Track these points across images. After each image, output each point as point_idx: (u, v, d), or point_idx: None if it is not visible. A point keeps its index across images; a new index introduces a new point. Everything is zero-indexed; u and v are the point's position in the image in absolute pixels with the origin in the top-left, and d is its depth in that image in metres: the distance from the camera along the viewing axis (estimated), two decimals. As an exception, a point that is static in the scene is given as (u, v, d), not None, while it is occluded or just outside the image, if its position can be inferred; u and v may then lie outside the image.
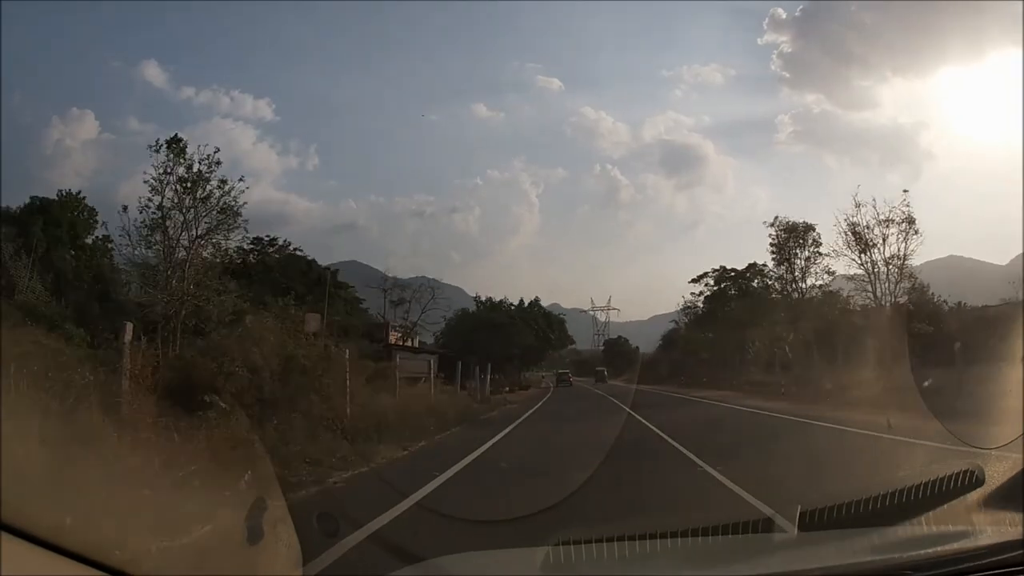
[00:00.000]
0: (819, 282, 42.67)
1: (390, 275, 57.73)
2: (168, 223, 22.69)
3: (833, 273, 42.28)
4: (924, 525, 4.07)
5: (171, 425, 8.50)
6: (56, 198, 34.64)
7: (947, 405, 14.19)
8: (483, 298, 60.51)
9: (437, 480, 9.49)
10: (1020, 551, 2.58)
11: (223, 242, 25.27)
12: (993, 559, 2.56)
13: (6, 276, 25.05)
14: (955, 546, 3.13)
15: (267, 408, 12.26)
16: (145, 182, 22.29)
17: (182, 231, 23.12)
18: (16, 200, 32.68)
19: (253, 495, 3.98)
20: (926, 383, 17.11)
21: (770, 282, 47.19)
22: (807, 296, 43.14)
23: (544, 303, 65.33)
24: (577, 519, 6.45)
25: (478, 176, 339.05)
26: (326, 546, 4.78)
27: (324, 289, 61.82)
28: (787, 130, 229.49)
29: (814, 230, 43.80)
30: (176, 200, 22.96)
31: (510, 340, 52.42)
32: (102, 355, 12.54)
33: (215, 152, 23.36)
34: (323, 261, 55.40)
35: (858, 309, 36.48)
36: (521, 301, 62.04)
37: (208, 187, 24.68)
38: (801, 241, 43.70)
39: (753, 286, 50.54)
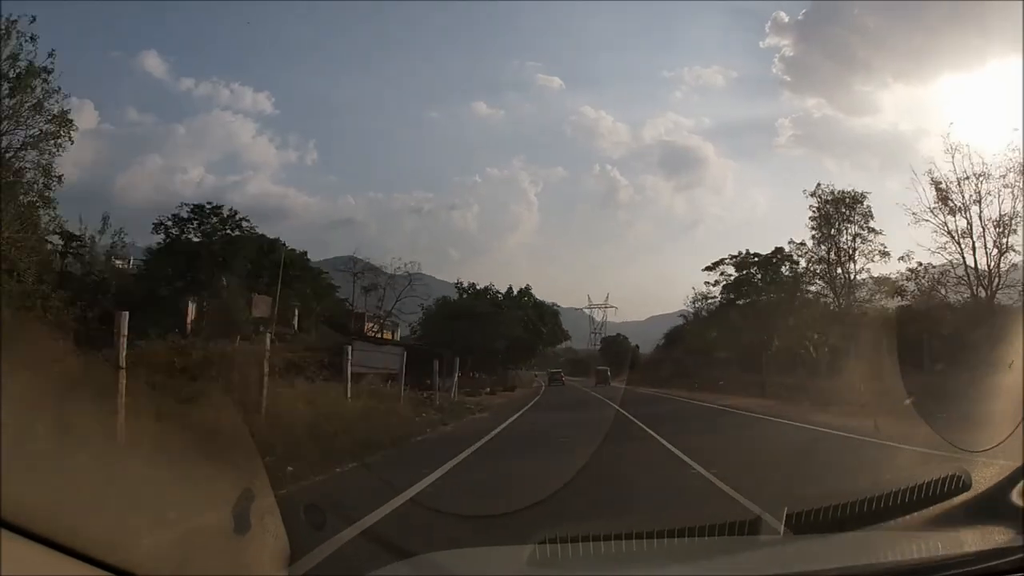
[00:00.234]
0: (869, 264, 35.16)
1: (360, 256, 50.24)
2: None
3: (887, 254, 34.75)
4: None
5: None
6: None
7: None
8: (465, 284, 52.62)
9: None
10: (1006, 559, 2.51)
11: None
12: (980, 566, 2.53)
13: None
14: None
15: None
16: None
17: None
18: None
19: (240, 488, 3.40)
20: None
21: (806, 264, 38.84)
22: (854, 280, 35.56)
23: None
24: None
25: (477, 174, 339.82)
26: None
27: (298, 275, 54.28)
28: (787, 133, 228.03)
29: (863, 201, 36.26)
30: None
31: (493, 332, 44.48)
32: None
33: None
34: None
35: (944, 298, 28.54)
36: (509, 289, 54.14)
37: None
38: (848, 214, 36.22)
39: (783, 273, 42.82)
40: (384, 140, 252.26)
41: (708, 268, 48.82)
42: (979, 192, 27.48)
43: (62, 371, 7.81)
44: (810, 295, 38.54)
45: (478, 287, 51.40)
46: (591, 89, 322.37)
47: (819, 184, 37.10)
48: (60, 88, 20.67)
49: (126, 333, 8.97)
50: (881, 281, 34.54)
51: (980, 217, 27.79)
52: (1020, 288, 26.96)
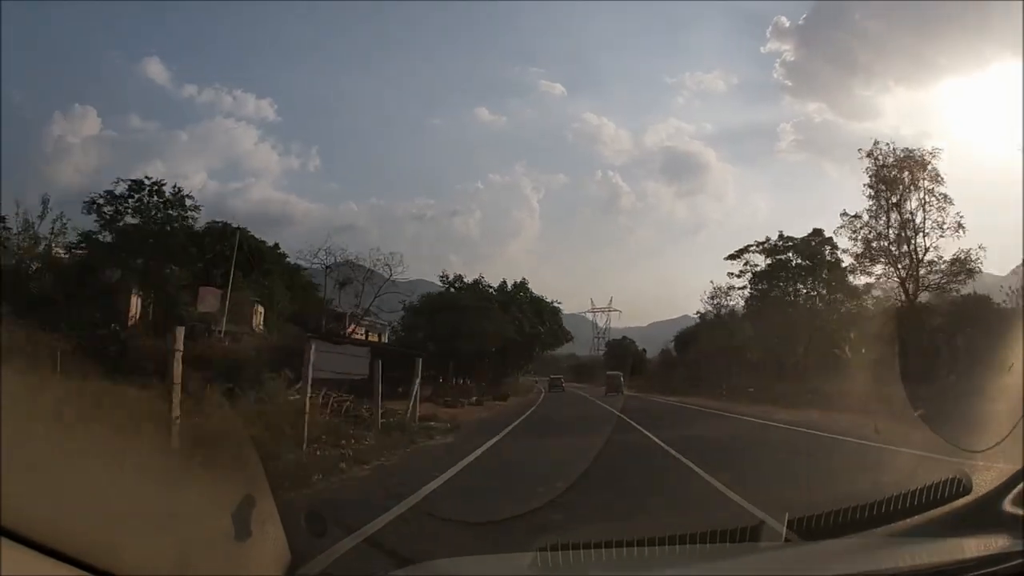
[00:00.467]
0: (940, 239, 27.93)
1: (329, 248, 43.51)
2: None
3: (962, 226, 27.72)
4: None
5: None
6: None
7: None
8: (451, 276, 45.47)
9: None
10: (1006, 564, 2.45)
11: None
12: (981, 572, 2.45)
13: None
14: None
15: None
16: None
17: None
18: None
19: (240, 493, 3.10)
20: None
21: (862, 242, 31.00)
22: (924, 260, 28.32)
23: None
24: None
25: (479, 180, 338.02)
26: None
27: (269, 270, 47.81)
28: (789, 138, 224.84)
29: (930, 163, 28.87)
30: None
31: (482, 331, 37.28)
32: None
33: None
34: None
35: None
36: (503, 283, 47.08)
37: None
38: (915, 178, 28.98)
39: (825, 257, 35.56)
40: (386, 147, 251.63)
41: (732, 256, 41.83)
42: None
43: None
44: (872, 279, 30.93)
45: (466, 279, 44.31)
46: (593, 95, 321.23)
47: (876, 142, 30.13)
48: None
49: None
50: (959, 262, 27.48)
51: None
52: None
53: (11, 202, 31.08)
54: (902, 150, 28.92)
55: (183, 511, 2.87)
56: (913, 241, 28.29)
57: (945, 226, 28.22)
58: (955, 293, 28.45)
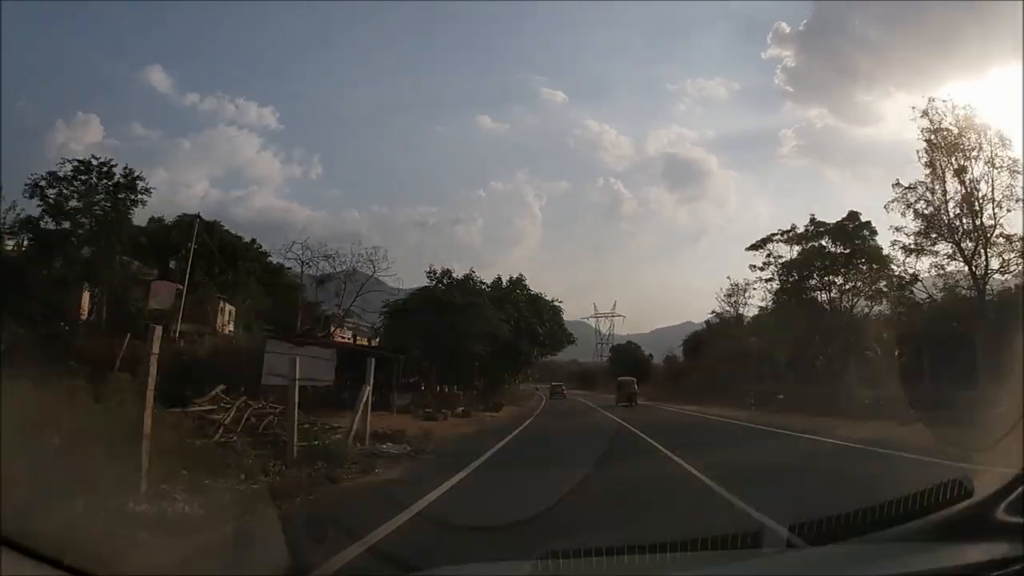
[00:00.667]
0: (1007, 213, 23.09)
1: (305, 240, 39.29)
2: None
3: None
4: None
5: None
6: None
7: None
8: (438, 271, 40.70)
9: None
10: (1007, 569, 2.40)
11: None
12: None
13: None
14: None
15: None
16: None
17: None
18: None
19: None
20: None
21: (921, 220, 25.67)
22: (992, 239, 23.40)
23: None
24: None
25: (481, 188, 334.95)
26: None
27: (248, 268, 44.80)
28: (790, 144, 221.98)
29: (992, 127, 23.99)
30: None
31: (470, 331, 32.43)
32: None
33: None
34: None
35: None
36: (498, 279, 42.36)
37: None
38: (979, 140, 24.19)
39: (867, 242, 30.73)
40: (388, 154, 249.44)
41: (754, 247, 37.14)
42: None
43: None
44: (934, 264, 25.89)
45: (455, 274, 39.54)
46: (595, 102, 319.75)
47: (931, 99, 25.54)
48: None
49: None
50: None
51: None
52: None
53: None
54: (964, 106, 24.39)
55: None
56: (980, 215, 23.55)
57: (1017, 198, 23.52)
58: None
